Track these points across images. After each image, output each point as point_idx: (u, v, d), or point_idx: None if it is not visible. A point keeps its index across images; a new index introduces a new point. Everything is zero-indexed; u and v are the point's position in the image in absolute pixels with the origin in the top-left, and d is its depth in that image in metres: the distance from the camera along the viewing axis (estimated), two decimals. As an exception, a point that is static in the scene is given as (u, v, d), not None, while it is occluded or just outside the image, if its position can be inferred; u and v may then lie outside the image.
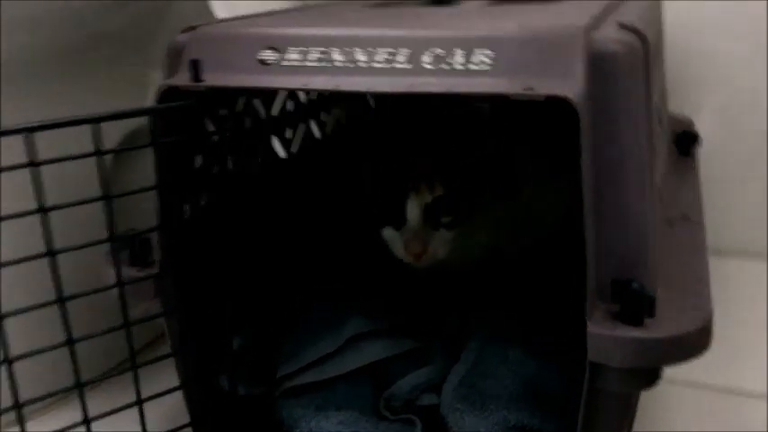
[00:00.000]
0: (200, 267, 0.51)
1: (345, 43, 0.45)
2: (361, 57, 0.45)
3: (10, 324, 0.43)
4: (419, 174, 0.57)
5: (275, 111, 0.69)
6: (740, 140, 0.92)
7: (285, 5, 1.06)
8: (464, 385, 0.55)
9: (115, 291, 0.47)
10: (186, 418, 0.54)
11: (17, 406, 0.44)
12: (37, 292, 0.45)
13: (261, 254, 0.61)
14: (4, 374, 0.43)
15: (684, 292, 0.43)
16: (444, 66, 0.43)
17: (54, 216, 0.42)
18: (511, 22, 0.46)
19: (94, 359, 0.61)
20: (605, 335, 0.39)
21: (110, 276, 0.49)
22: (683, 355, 0.39)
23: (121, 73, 0.72)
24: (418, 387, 0.57)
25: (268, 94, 0.66)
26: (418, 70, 0.43)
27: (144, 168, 0.49)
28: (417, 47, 0.44)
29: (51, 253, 0.43)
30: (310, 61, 0.46)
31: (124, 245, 0.50)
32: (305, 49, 0.46)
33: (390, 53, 0.44)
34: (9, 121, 0.42)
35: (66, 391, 0.46)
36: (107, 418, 0.47)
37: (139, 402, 0.48)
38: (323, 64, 0.45)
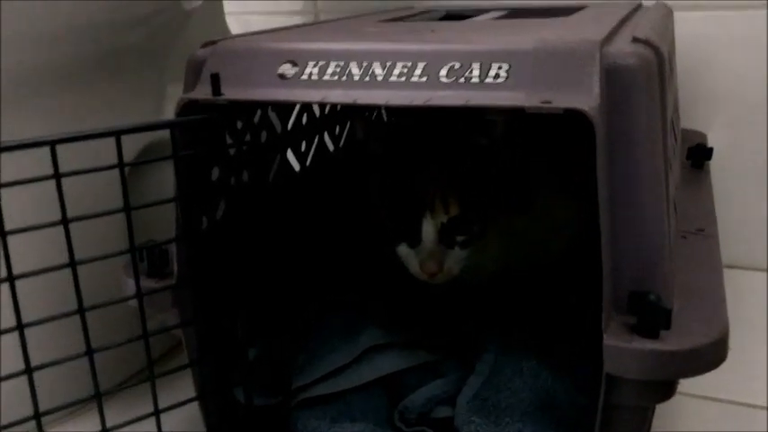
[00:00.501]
0: (216, 279, 0.51)
1: (363, 57, 0.46)
2: (378, 70, 0.45)
3: (28, 335, 0.43)
4: (434, 193, 0.57)
5: (290, 124, 0.70)
6: (753, 154, 0.92)
7: (298, 20, 1.08)
8: (478, 398, 0.55)
9: (132, 301, 0.48)
10: (202, 429, 0.54)
11: (37, 416, 0.44)
12: (49, 303, 0.45)
13: (276, 265, 0.62)
14: (21, 385, 0.43)
15: (700, 304, 0.43)
16: (461, 79, 0.43)
17: (72, 228, 0.43)
18: (527, 36, 0.47)
19: (111, 369, 0.61)
20: (621, 347, 0.39)
21: (128, 287, 0.50)
22: (699, 368, 0.39)
23: (138, 87, 0.73)
24: (432, 399, 0.57)
25: (285, 108, 0.67)
26: (435, 84, 0.44)
27: (158, 181, 0.49)
28: (434, 61, 0.44)
29: (73, 264, 0.43)
30: (328, 75, 0.46)
31: (142, 256, 0.51)
32: (323, 63, 0.47)
33: (407, 67, 0.45)
34: (25, 135, 0.42)
35: (86, 401, 0.46)
36: (124, 429, 0.48)
37: (157, 413, 0.49)
38: (341, 78, 0.46)
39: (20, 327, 0.42)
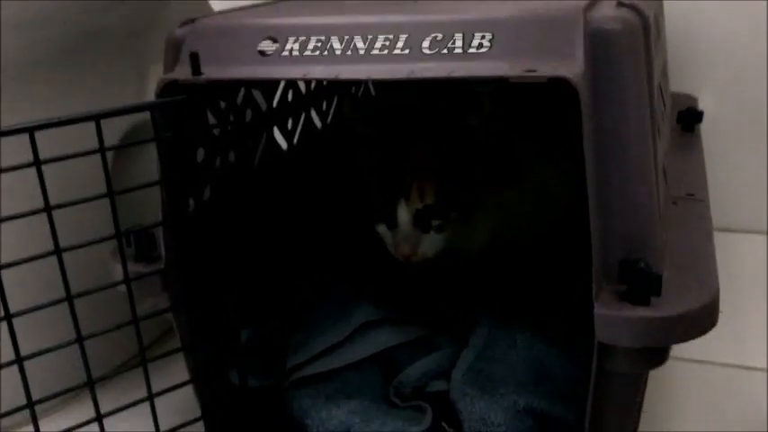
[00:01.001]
0: (206, 261, 0.51)
1: (344, 31, 0.45)
2: (360, 44, 0.45)
3: (17, 325, 0.43)
4: (411, 181, 0.58)
5: (275, 102, 0.69)
6: (743, 116, 0.91)
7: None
8: (473, 370, 0.55)
9: (122, 287, 0.47)
10: (197, 412, 0.54)
11: (30, 404, 0.44)
12: (38, 291, 0.45)
13: (266, 246, 0.61)
14: (14, 376, 0.43)
15: (690, 270, 0.43)
16: (444, 50, 0.43)
17: (57, 215, 0.43)
18: (509, 5, 0.46)
19: (105, 356, 0.61)
20: (613, 315, 0.39)
21: (116, 273, 0.49)
22: (690, 333, 0.39)
23: (121, 69, 0.71)
24: (427, 374, 0.57)
25: (268, 85, 0.66)
26: (418, 56, 0.43)
27: (146, 164, 0.49)
28: (416, 32, 0.44)
29: (58, 251, 0.43)
30: (309, 51, 0.45)
31: (129, 241, 0.50)
32: (304, 38, 0.46)
33: (389, 39, 0.44)
34: (7, 122, 0.41)
35: (78, 388, 0.46)
36: (119, 414, 0.48)
37: (150, 397, 0.49)
38: (322, 53, 0.45)
39: (8, 316, 0.42)
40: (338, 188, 0.68)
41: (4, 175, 0.40)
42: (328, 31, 0.46)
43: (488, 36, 0.42)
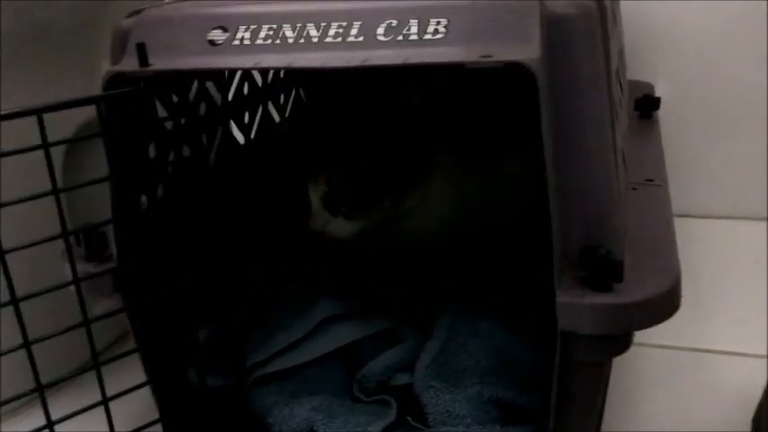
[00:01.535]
0: (160, 259, 0.49)
1: (297, 19, 0.44)
2: (313, 32, 0.43)
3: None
4: (316, 165, 0.62)
5: (231, 95, 0.67)
6: (699, 102, 0.92)
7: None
8: (437, 362, 0.55)
9: (72, 287, 0.45)
10: (156, 415, 0.52)
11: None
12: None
13: (223, 241, 0.60)
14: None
15: (652, 255, 0.43)
16: (399, 37, 0.42)
17: (4, 214, 0.41)
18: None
19: (62, 359, 0.59)
20: (574, 303, 0.38)
21: (67, 273, 0.47)
22: (653, 319, 0.39)
23: (69, 63, 0.69)
24: (391, 367, 0.57)
25: (222, 78, 0.64)
26: (372, 43, 0.42)
27: (103, 160, 0.47)
28: (370, 19, 0.43)
29: (1, 252, 0.41)
30: (261, 39, 0.44)
31: (80, 240, 0.49)
32: (255, 27, 0.45)
33: (343, 27, 0.43)
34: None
35: (27, 395, 0.44)
36: (76, 419, 0.46)
37: (105, 401, 0.47)
38: (274, 41, 0.44)
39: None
40: (296, 181, 0.67)
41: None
42: (280, 18, 0.44)
43: (444, 22, 0.41)
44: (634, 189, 0.53)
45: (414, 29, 0.42)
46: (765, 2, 0.85)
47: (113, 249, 0.49)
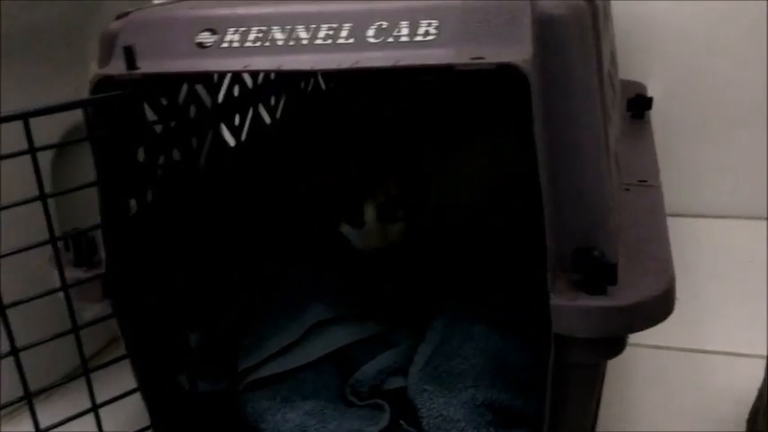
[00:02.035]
0: (150, 264, 0.49)
1: (286, 21, 0.44)
2: (303, 34, 0.43)
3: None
4: (373, 176, 0.60)
5: (221, 97, 0.67)
6: (692, 102, 0.92)
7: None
8: (430, 365, 0.54)
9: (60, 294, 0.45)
10: (147, 421, 0.52)
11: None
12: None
13: (212, 247, 0.60)
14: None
15: (645, 257, 0.43)
16: (390, 39, 0.41)
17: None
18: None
19: (54, 365, 0.59)
20: (568, 306, 0.38)
21: (56, 279, 0.47)
22: (647, 322, 0.39)
23: (59, 67, 0.69)
24: (384, 371, 0.56)
25: (212, 80, 0.64)
26: (363, 45, 0.42)
27: (92, 164, 0.47)
28: (361, 21, 0.42)
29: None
30: (250, 42, 0.44)
31: (69, 246, 0.48)
32: (244, 29, 0.44)
33: (333, 29, 0.43)
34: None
35: (15, 402, 0.44)
36: (66, 425, 0.46)
37: (95, 408, 0.47)
38: (264, 44, 0.43)
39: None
40: (288, 184, 0.66)
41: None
42: (270, 21, 0.44)
43: (435, 23, 0.41)
44: (627, 190, 0.53)
45: (404, 30, 0.41)
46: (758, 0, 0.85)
47: (102, 254, 0.49)
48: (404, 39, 0.41)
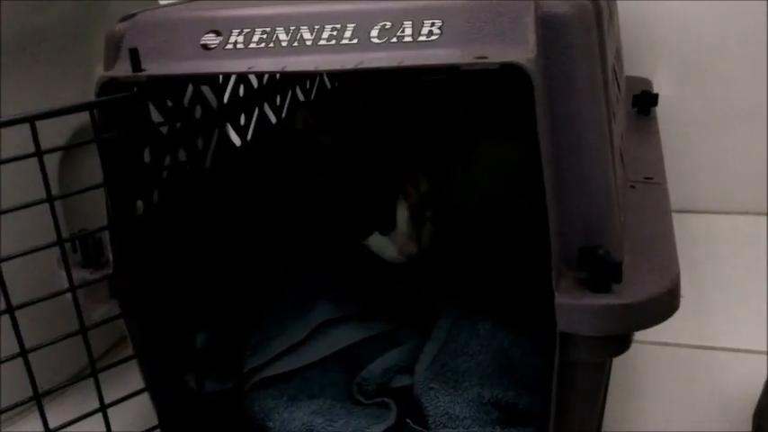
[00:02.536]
0: (157, 265, 0.49)
1: (290, 22, 0.44)
2: (306, 35, 0.43)
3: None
4: (403, 175, 0.57)
5: (227, 97, 0.67)
6: (698, 98, 0.92)
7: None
8: (436, 364, 0.54)
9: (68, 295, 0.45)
10: (154, 421, 0.52)
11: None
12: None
13: (219, 247, 0.60)
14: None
15: (650, 254, 0.43)
16: (393, 39, 0.41)
17: (7, 220, 0.41)
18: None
19: (62, 366, 0.59)
20: (573, 304, 0.38)
21: (63, 281, 0.47)
22: (653, 319, 0.39)
23: (64, 69, 0.69)
24: (390, 369, 0.56)
25: (217, 81, 0.64)
26: (367, 45, 0.42)
27: (98, 166, 0.47)
28: (364, 21, 0.42)
29: (-4, 261, 0.41)
30: (254, 43, 0.44)
31: (76, 247, 0.48)
32: (248, 30, 0.44)
33: (337, 29, 0.43)
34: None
35: (25, 403, 0.44)
36: (75, 426, 0.46)
37: (103, 408, 0.47)
38: (268, 45, 0.44)
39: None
40: (293, 184, 0.66)
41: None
42: (273, 22, 0.44)
43: (438, 23, 0.41)
44: (632, 187, 0.53)
45: (408, 30, 0.41)
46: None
47: (109, 255, 0.49)
48: (407, 39, 0.41)
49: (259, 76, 0.73)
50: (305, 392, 0.56)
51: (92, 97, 0.45)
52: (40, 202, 0.42)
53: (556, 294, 0.39)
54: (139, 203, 0.50)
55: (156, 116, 0.52)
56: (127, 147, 0.47)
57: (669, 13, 0.90)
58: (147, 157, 0.51)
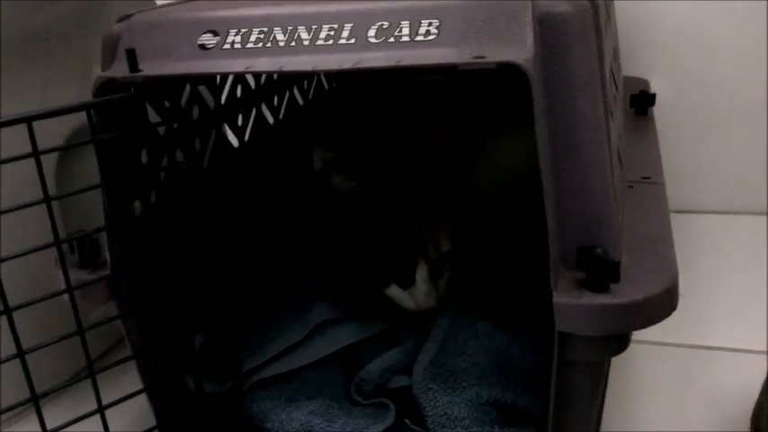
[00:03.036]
0: (154, 266, 0.49)
1: (287, 22, 0.44)
2: (304, 35, 0.43)
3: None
4: (424, 235, 0.57)
5: (224, 98, 0.67)
6: (695, 98, 0.92)
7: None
8: (435, 364, 0.54)
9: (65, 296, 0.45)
10: (152, 422, 0.52)
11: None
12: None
13: (217, 248, 0.60)
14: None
15: (649, 254, 0.43)
16: (391, 39, 0.41)
17: (4, 220, 0.41)
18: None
19: (60, 367, 0.59)
20: (571, 304, 0.38)
21: (60, 281, 0.47)
22: (651, 319, 0.39)
23: (61, 70, 0.69)
24: (389, 369, 0.56)
25: (214, 81, 0.64)
26: (364, 45, 0.42)
27: (95, 166, 0.47)
28: (362, 21, 0.42)
29: (-7, 262, 0.41)
30: (252, 43, 0.44)
31: (73, 248, 0.48)
32: (246, 30, 0.44)
33: (334, 29, 0.43)
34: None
35: (22, 404, 0.44)
36: (72, 427, 0.46)
37: (101, 409, 0.47)
38: (265, 45, 0.44)
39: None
40: (292, 185, 0.66)
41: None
42: (271, 22, 0.44)
43: (435, 23, 0.41)
44: (630, 187, 0.53)
45: (405, 30, 0.41)
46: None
47: (107, 256, 0.49)
48: (405, 39, 0.41)
49: (256, 76, 0.73)
50: (303, 393, 0.55)
51: (89, 98, 0.45)
52: (38, 202, 0.41)
53: (554, 294, 0.39)
54: (137, 204, 0.50)
55: (153, 117, 0.52)
56: (124, 147, 0.47)
57: (667, 13, 0.90)
58: (144, 157, 0.51)
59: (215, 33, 0.45)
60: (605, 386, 0.49)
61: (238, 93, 0.69)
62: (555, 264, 0.40)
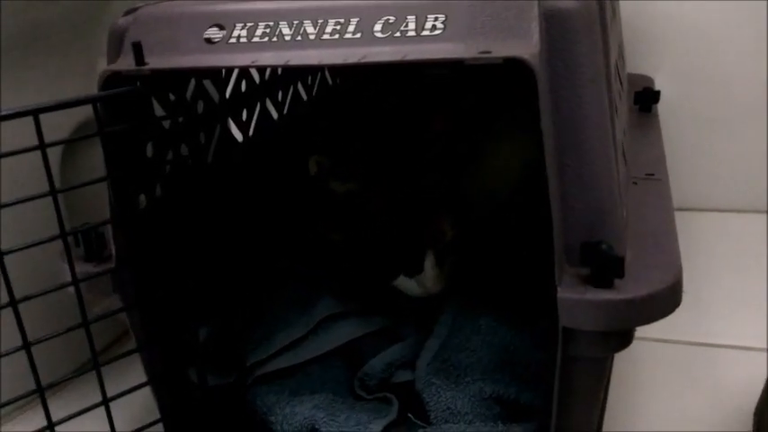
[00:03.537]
0: (159, 259, 0.49)
1: (293, 16, 0.44)
2: (310, 29, 0.43)
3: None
4: (431, 226, 0.58)
5: (229, 92, 0.67)
6: (699, 95, 0.92)
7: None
8: (438, 359, 0.54)
9: (71, 288, 0.45)
10: (157, 415, 0.52)
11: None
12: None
13: (221, 241, 0.60)
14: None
15: (653, 250, 0.43)
16: (397, 33, 0.41)
17: (9, 213, 0.41)
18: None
19: (64, 359, 0.59)
20: (576, 299, 0.38)
21: (65, 274, 0.47)
22: (655, 315, 0.39)
23: (68, 63, 0.69)
24: (392, 364, 0.56)
25: (220, 75, 0.64)
26: (370, 40, 0.42)
27: (100, 159, 0.47)
28: (368, 15, 0.42)
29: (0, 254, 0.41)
30: (258, 37, 0.44)
31: (79, 241, 0.49)
32: (252, 24, 0.44)
33: (340, 24, 0.43)
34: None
35: (27, 396, 0.44)
36: (77, 419, 0.46)
37: (105, 402, 0.47)
38: (271, 39, 0.44)
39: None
40: (295, 178, 0.66)
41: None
42: (277, 16, 0.44)
43: (442, 18, 0.41)
44: (635, 183, 0.53)
45: (411, 25, 0.41)
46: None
47: (112, 249, 0.49)
48: (411, 33, 0.41)
49: (261, 70, 0.73)
50: (307, 387, 0.56)
51: (95, 91, 0.45)
52: (43, 195, 0.41)
53: (558, 289, 0.39)
54: (142, 197, 0.50)
55: (158, 110, 0.52)
56: (130, 140, 0.47)
57: (671, 11, 0.90)
58: (149, 150, 0.51)
59: (221, 27, 0.45)
60: (608, 382, 0.49)
61: (243, 87, 0.70)
62: (559, 259, 0.40)
